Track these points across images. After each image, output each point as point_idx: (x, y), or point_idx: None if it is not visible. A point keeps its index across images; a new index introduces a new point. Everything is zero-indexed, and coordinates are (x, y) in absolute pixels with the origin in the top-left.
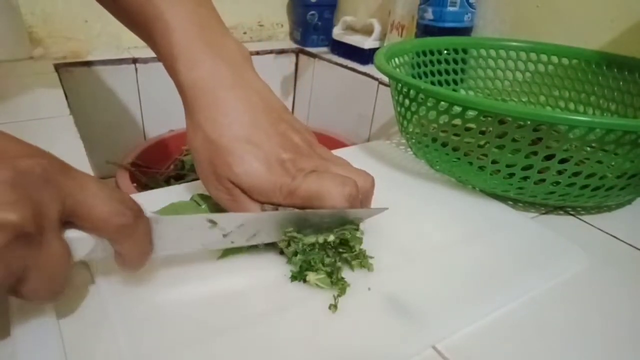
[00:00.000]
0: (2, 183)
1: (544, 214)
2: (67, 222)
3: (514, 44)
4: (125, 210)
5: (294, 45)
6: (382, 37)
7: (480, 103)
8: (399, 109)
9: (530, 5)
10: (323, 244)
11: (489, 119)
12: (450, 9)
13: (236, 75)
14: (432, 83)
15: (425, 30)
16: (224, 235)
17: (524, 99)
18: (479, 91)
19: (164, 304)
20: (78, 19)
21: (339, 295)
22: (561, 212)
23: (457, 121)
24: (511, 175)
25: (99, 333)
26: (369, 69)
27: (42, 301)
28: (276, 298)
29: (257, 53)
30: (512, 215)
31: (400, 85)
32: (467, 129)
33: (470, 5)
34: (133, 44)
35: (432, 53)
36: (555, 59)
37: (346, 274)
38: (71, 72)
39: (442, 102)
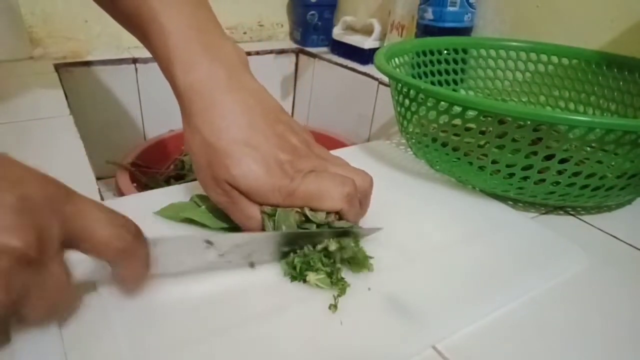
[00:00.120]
0: (5, 207)
1: (544, 214)
2: (68, 244)
3: (514, 44)
4: (125, 235)
5: (294, 45)
6: (382, 37)
7: (480, 103)
8: (399, 109)
9: (530, 5)
10: (322, 250)
11: (489, 119)
12: (450, 9)
13: (233, 78)
14: (432, 83)
15: (425, 30)
16: (220, 255)
17: (524, 99)
18: (479, 91)
19: (164, 304)
20: (78, 19)
21: (339, 295)
22: (561, 212)
23: (457, 121)
24: (511, 175)
25: (99, 333)
26: (369, 69)
27: (43, 323)
28: (276, 298)
29: (257, 53)
30: (512, 215)
31: (400, 85)
32: (467, 129)
33: (470, 5)
34: (133, 44)
35: (432, 53)
36: (555, 59)
37: (346, 274)
38: (71, 72)
39: (442, 102)
